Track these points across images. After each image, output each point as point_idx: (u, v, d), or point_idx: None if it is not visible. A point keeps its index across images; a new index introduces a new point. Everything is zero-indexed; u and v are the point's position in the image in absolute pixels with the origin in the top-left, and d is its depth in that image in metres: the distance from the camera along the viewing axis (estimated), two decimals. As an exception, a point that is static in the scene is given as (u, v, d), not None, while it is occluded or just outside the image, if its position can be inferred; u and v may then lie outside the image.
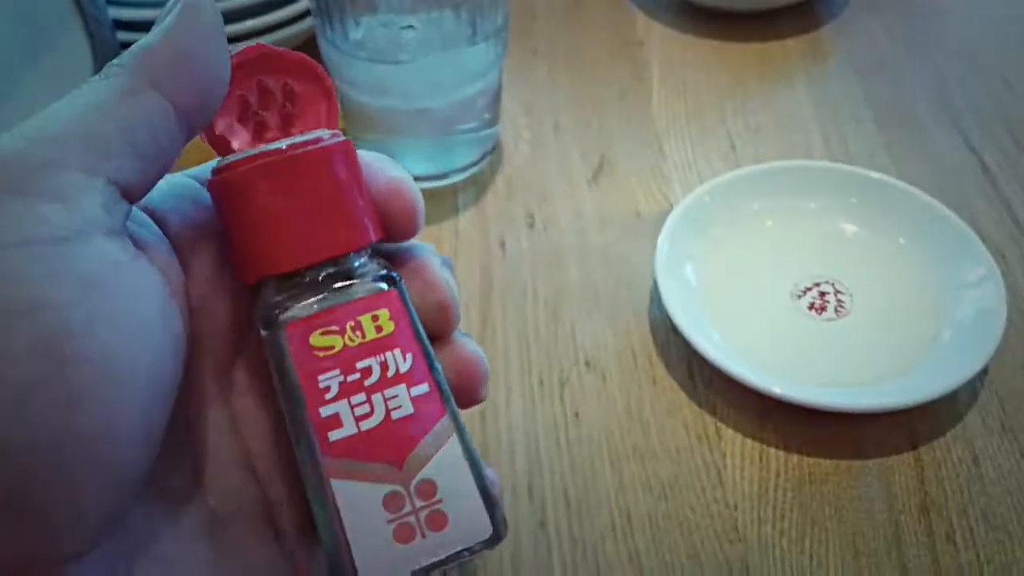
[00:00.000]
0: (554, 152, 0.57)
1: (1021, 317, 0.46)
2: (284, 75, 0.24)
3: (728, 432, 0.43)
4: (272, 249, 0.22)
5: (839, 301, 0.46)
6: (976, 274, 0.45)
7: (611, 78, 0.63)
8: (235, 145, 0.23)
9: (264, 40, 0.46)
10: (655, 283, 0.45)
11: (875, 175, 0.50)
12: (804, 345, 0.44)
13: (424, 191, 0.27)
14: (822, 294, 0.47)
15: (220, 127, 0.23)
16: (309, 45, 0.58)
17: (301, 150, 0.22)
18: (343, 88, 0.51)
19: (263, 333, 0.22)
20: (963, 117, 0.58)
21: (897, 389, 0.42)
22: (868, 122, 0.58)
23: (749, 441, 0.42)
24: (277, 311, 0.22)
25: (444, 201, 0.54)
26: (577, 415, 0.44)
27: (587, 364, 0.46)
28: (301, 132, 0.24)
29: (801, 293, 0.47)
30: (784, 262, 0.48)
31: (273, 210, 0.22)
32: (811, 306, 0.46)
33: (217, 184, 0.23)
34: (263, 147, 0.23)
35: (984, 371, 0.44)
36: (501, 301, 0.49)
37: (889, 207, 0.49)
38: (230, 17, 0.56)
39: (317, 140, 0.23)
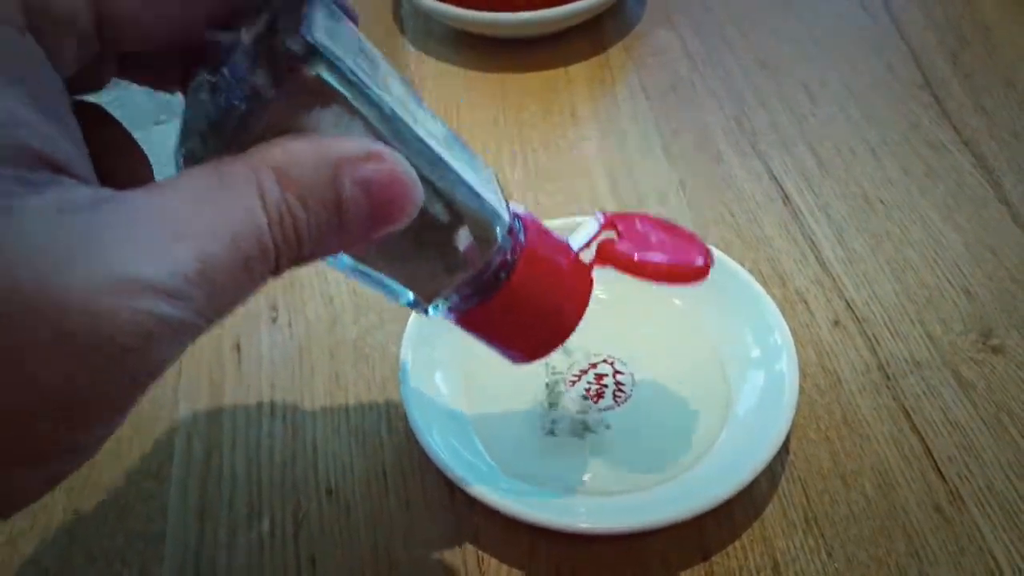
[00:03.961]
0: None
1: (824, 374, 0.41)
2: None
3: (493, 564, 0.36)
4: None
5: (618, 384, 0.40)
6: (767, 342, 0.39)
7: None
8: None
9: None
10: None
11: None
12: (581, 445, 0.38)
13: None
14: (599, 376, 0.40)
15: None
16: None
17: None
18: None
19: None
20: (763, 138, 0.53)
21: (684, 492, 0.36)
22: (660, 155, 0.52)
23: (516, 572, 0.36)
24: None
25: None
26: (314, 562, 0.36)
27: (329, 493, 0.38)
28: None
29: (575, 379, 0.40)
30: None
31: None
32: (587, 393, 0.39)
33: None
34: None
35: (785, 448, 0.38)
36: (231, 421, 0.41)
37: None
38: None
39: None
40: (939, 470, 0.37)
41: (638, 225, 0.32)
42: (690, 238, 0.33)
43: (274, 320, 0.45)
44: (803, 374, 0.39)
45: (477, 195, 0.25)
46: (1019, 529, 0.35)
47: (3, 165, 0.17)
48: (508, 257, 0.27)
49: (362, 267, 0.25)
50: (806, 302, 0.44)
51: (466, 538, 0.36)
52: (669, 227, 0.33)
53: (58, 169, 0.18)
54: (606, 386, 0.40)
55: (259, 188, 0.19)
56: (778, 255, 0.46)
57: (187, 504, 0.38)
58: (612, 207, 0.49)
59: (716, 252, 0.42)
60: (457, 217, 0.25)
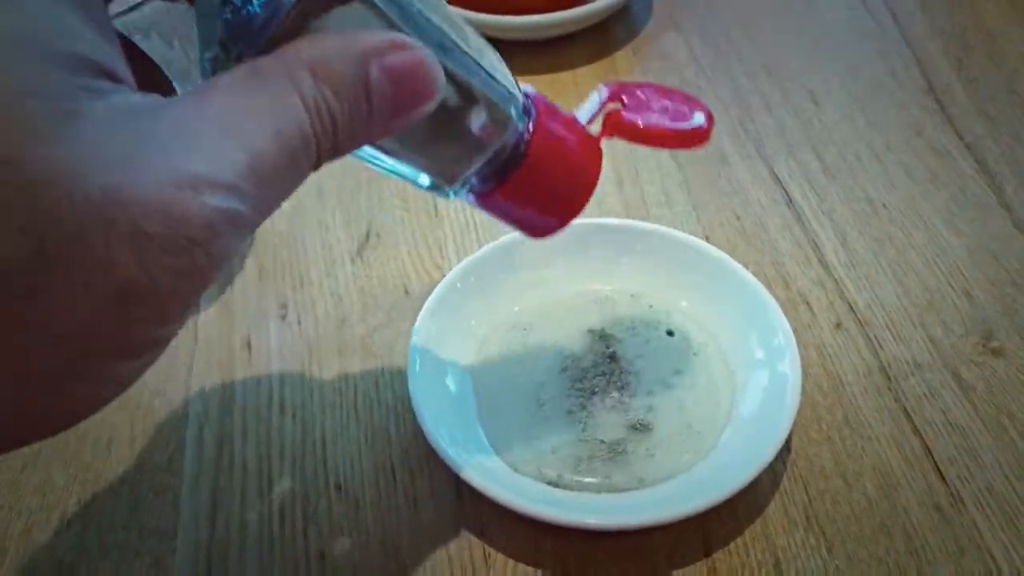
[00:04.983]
0: (315, 222, 0.50)
1: (826, 376, 0.41)
2: None
3: (499, 559, 0.36)
4: None
5: (623, 382, 0.40)
6: (770, 343, 0.40)
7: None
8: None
9: None
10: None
11: (649, 228, 0.45)
12: (586, 443, 0.38)
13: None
14: (603, 374, 0.41)
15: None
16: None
17: None
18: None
19: None
20: (768, 142, 0.53)
21: (688, 489, 0.36)
22: (665, 158, 0.53)
23: (522, 567, 0.36)
24: None
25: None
26: (323, 556, 0.37)
27: (338, 488, 0.39)
28: None
29: (581, 377, 0.40)
30: (560, 340, 0.42)
31: None
32: (593, 391, 0.40)
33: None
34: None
35: (787, 448, 0.39)
36: (242, 416, 0.41)
37: (670, 264, 0.44)
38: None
39: None
40: (939, 471, 0.38)
41: (640, 94, 0.33)
42: (692, 101, 0.34)
43: (283, 318, 0.45)
44: (805, 375, 0.40)
45: (492, 78, 0.26)
46: (1018, 529, 0.36)
47: (67, 73, 0.17)
48: (523, 136, 0.28)
49: (381, 155, 0.26)
50: (809, 304, 0.45)
51: (473, 533, 0.37)
52: (671, 92, 0.34)
53: (115, 79, 0.18)
54: (611, 384, 0.40)
55: (296, 84, 0.20)
56: (782, 258, 0.47)
57: (199, 498, 0.39)
58: (618, 209, 0.49)
59: (721, 254, 0.43)
60: (474, 100, 0.26)
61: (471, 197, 0.29)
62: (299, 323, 0.45)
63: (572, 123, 0.30)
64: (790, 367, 0.38)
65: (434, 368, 0.40)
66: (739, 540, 0.36)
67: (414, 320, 0.41)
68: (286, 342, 0.44)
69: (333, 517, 0.38)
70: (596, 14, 0.59)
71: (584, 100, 0.32)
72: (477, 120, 0.26)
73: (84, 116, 0.17)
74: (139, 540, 0.37)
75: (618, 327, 0.42)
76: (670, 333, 0.42)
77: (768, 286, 0.42)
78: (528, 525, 0.36)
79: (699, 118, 0.33)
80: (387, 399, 0.42)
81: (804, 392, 0.39)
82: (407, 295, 0.46)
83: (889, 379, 0.41)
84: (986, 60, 0.58)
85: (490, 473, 0.36)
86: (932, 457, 0.38)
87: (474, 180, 0.28)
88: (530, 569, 0.36)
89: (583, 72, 0.59)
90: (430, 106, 0.22)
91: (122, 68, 0.19)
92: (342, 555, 0.37)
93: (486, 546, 0.37)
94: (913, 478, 0.38)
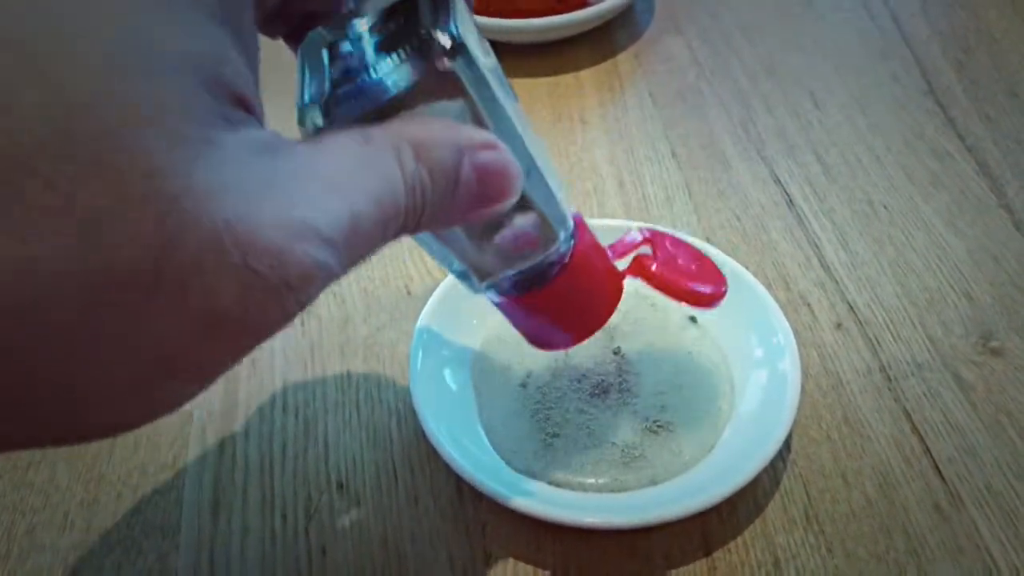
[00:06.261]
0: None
1: (826, 375, 0.41)
2: None
3: (499, 558, 0.36)
4: None
5: (629, 382, 0.40)
6: (770, 342, 0.40)
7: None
8: None
9: None
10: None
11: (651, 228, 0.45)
12: (585, 443, 0.38)
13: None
14: (608, 374, 0.41)
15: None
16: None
17: None
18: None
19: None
20: (770, 144, 0.54)
21: (687, 489, 0.37)
22: (667, 159, 0.53)
23: (522, 566, 0.36)
24: None
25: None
26: (324, 553, 0.37)
27: (340, 487, 0.39)
28: None
29: (585, 377, 0.41)
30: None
31: None
32: (594, 389, 0.40)
33: None
34: None
35: (787, 447, 0.39)
36: (245, 416, 0.42)
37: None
38: None
39: None
40: (939, 470, 0.38)
41: (670, 247, 0.35)
42: (712, 267, 0.36)
43: (287, 318, 0.46)
44: (805, 375, 0.40)
45: (553, 197, 0.27)
46: (1017, 529, 0.36)
47: (213, 99, 0.17)
48: (563, 256, 0.29)
49: (436, 240, 0.27)
50: (809, 305, 0.45)
51: (473, 532, 0.37)
52: (697, 254, 0.36)
53: (249, 109, 0.19)
54: (611, 384, 0.40)
55: (400, 157, 0.21)
56: (782, 258, 0.47)
57: (202, 496, 0.39)
58: (620, 211, 0.50)
59: (721, 255, 0.43)
60: (532, 213, 0.27)
61: (496, 297, 0.31)
62: (302, 323, 0.45)
63: (604, 255, 0.32)
64: (790, 366, 0.38)
65: (436, 368, 0.40)
66: (739, 539, 0.37)
67: (416, 320, 0.41)
68: (289, 342, 0.45)
69: (335, 516, 0.38)
70: (598, 17, 0.59)
71: (622, 234, 0.35)
72: (528, 231, 0.27)
73: (220, 145, 0.17)
74: (142, 538, 0.38)
75: (621, 327, 0.42)
76: (673, 332, 0.42)
77: (768, 287, 0.42)
78: (528, 524, 0.37)
79: (713, 286, 0.35)
80: (389, 399, 0.42)
81: (804, 392, 0.39)
82: (409, 296, 0.46)
83: (889, 379, 0.41)
84: (987, 62, 0.58)
85: (491, 472, 0.36)
86: (931, 456, 0.39)
87: (506, 284, 0.30)
88: (530, 568, 0.36)
89: (585, 75, 0.59)
90: (506, 207, 0.24)
91: (256, 98, 0.19)
92: (343, 553, 0.37)
93: (486, 545, 0.37)
94: (912, 477, 0.38)
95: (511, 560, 0.36)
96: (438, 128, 0.22)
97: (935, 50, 0.59)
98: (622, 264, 0.34)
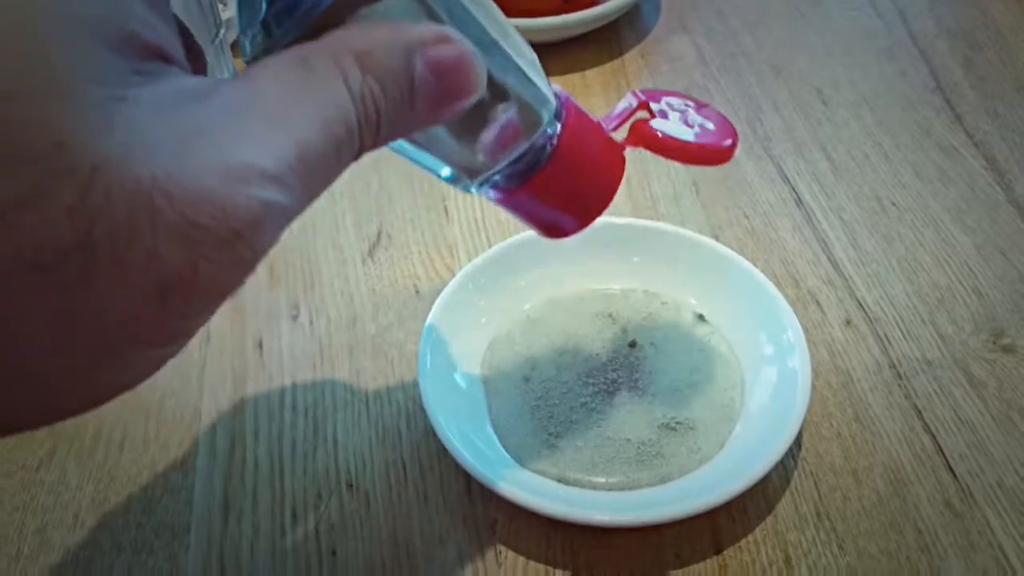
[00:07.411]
0: (326, 224, 0.50)
1: (836, 373, 0.41)
2: None
3: (510, 556, 0.36)
4: None
5: (641, 380, 0.40)
6: (780, 340, 0.40)
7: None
8: None
9: None
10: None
11: (659, 226, 0.45)
12: (596, 441, 0.38)
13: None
14: (619, 372, 0.41)
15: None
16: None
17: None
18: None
19: None
20: (777, 142, 0.54)
21: (698, 486, 0.37)
22: (674, 158, 0.53)
23: (533, 564, 0.36)
24: None
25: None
26: (334, 553, 0.37)
27: (349, 486, 0.39)
28: None
29: (595, 374, 0.41)
30: (572, 338, 0.42)
31: None
32: (605, 386, 0.40)
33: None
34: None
35: (798, 444, 0.39)
36: (254, 415, 0.42)
37: (679, 262, 0.44)
38: None
39: None
40: (950, 467, 0.38)
41: (668, 105, 0.33)
42: (719, 117, 0.34)
43: (295, 318, 0.46)
44: (815, 372, 0.40)
45: (529, 80, 0.26)
46: (1029, 525, 0.36)
47: (119, 56, 0.17)
48: (552, 138, 0.28)
49: (411, 145, 0.26)
50: (818, 302, 0.45)
51: (483, 530, 0.37)
52: (700, 105, 0.34)
53: (167, 60, 0.18)
54: (623, 381, 0.40)
55: (343, 73, 0.19)
56: (791, 256, 0.47)
57: (212, 496, 0.39)
58: (627, 209, 0.50)
59: (730, 252, 0.43)
60: (508, 100, 0.26)
61: (492, 193, 0.29)
62: (311, 323, 0.45)
63: (598, 129, 0.30)
64: (800, 363, 0.38)
65: (444, 366, 0.40)
66: (749, 537, 0.36)
67: (424, 319, 0.41)
68: (298, 342, 0.45)
69: (345, 515, 0.38)
70: (605, 16, 0.59)
71: (613, 106, 0.32)
72: (508, 120, 0.26)
73: (134, 101, 0.16)
74: (152, 538, 0.38)
75: (631, 324, 0.42)
76: (682, 330, 0.42)
77: (778, 284, 0.42)
78: (539, 522, 0.37)
79: (723, 137, 0.33)
80: (398, 397, 0.42)
81: (814, 389, 0.39)
82: (417, 295, 0.46)
83: (899, 376, 0.41)
84: (994, 58, 0.58)
85: (500, 470, 0.36)
86: (943, 453, 0.38)
87: (497, 178, 0.29)
88: (540, 566, 0.36)
89: (592, 74, 0.59)
90: (471, 102, 0.22)
91: (175, 47, 0.19)
92: (353, 553, 0.37)
93: (497, 543, 0.37)
94: (924, 474, 0.38)
95: (521, 558, 0.36)
96: (382, 31, 0.20)
97: (942, 47, 0.59)
98: (620, 136, 0.31)
